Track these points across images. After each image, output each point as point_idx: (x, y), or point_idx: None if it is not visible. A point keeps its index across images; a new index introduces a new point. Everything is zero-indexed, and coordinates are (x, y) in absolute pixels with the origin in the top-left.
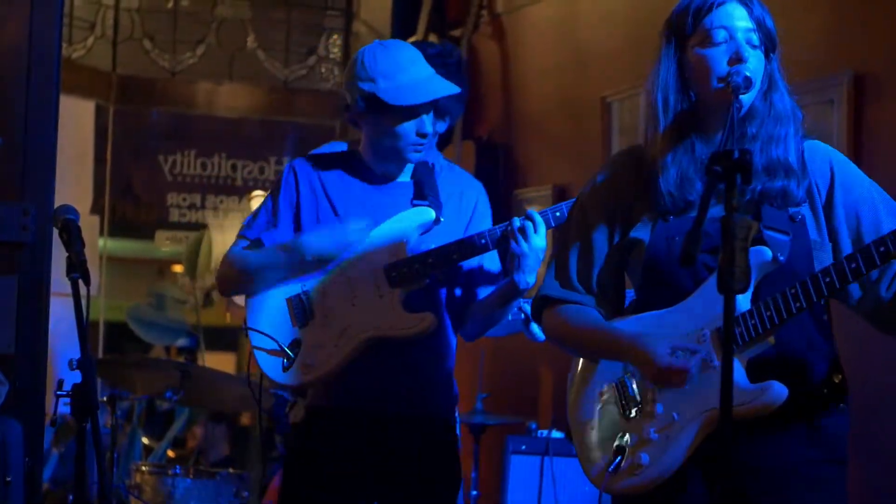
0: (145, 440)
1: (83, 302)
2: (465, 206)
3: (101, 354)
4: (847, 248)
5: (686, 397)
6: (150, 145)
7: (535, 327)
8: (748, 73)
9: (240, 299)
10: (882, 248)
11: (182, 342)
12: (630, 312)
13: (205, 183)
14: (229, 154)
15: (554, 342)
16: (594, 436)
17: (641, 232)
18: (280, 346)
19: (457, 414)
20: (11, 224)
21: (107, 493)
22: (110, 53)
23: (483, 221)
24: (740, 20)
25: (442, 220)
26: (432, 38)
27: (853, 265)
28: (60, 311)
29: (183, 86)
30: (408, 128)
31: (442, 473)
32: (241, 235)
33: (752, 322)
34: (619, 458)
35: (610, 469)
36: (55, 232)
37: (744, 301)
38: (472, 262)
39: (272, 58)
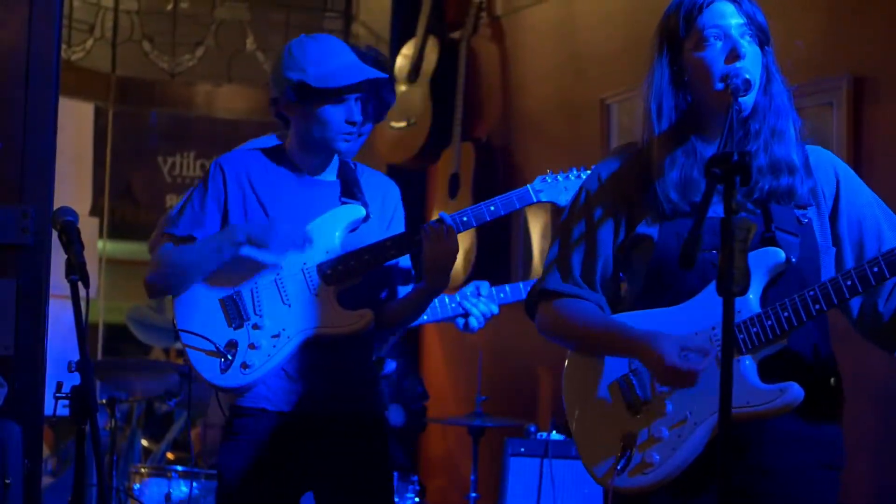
0: (144, 442)
1: (82, 304)
2: (387, 206)
3: (100, 356)
4: (849, 255)
5: (700, 396)
6: (150, 147)
7: (473, 322)
8: (748, 76)
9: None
10: None
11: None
12: (630, 308)
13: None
14: None
15: (551, 336)
16: (598, 433)
17: (648, 229)
18: (216, 348)
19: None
20: (11, 226)
21: (106, 496)
22: (109, 55)
23: (401, 223)
24: (732, 17)
25: (371, 217)
26: (431, 40)
27: (875, 269)
28: (59, 313)
29: (182, 87)
30: (336, 114)
31: (374, 464)
32: (167, 234)
33: (770, 323)
34: (626, 455)
35: (619, 466)
36: (54, 234)
37: (753, 302)
38: (389, 262)
39: (271, 59)
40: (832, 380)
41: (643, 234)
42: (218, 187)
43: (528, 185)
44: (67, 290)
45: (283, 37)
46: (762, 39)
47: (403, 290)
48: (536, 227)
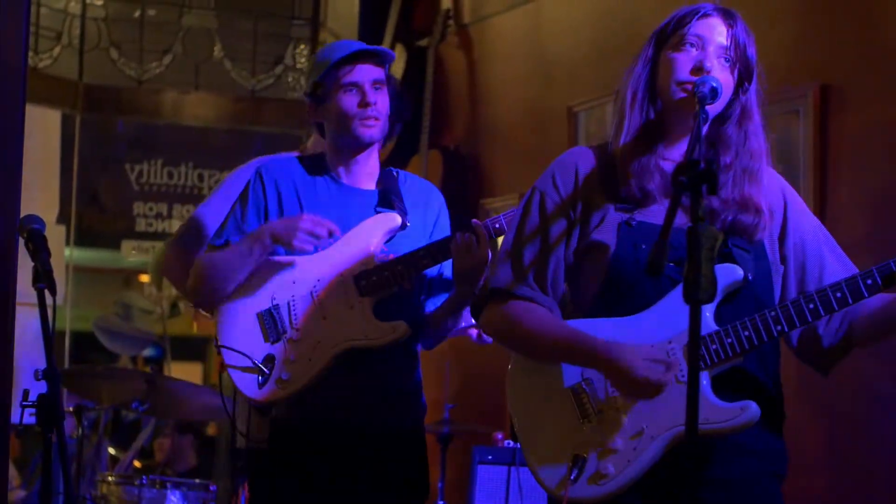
0: (111, 450)
1: (49, 312)
2: (429, 214)
3: (66, 365)
4: (792, 278)
5: (657, 410)
6: (117, 154)
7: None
8: (714, 84)
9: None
10: (869, 282)
11: (148, 352)
12: (574, 315)
13: (171, 192)
14: (196, 163)
15: (498, 338)
16: (548, 441)
17: (604, 235)
18: (254, 363)
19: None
20: None
21: None
22: (77, 63)
23: (445, 229)
24: (718, 35)
25: (408, 225)
26: (399, 47)
27: (839, 294)
28: (26, 321)
29: (149, 95)
30: (349, 100)
31: (410, 484)
32: (210, 245)
33: (729, 341)
34: (578, 466)
35: (571, 477)
36: (21, 242)
37: (709, 319)
38: (431, 271)
39: (239, 67)
40: (778, 395)
41: (599, 241)
42: (258, 195)
43: None
44: (34, 298)
45: (250, 44)
46: (743, 73)
47: (442, 300)
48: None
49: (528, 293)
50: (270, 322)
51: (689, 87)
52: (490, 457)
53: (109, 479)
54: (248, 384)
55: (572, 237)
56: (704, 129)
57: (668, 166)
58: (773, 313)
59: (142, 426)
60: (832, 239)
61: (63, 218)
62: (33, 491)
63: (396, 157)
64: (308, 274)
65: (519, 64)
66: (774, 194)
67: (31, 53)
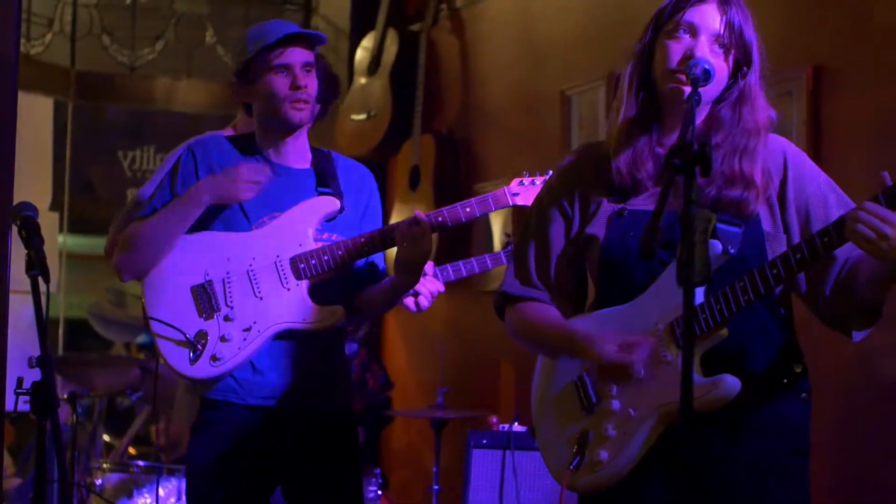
0: (106, 437)
1: (43, 299)
2: (361, 197)
3: (60, 352)
4: (798, 239)
5: (641, 393)
6: (110, 141)
7: (423, 301)
8: (707, 66)
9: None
10: (825, 238)
11: (142, 339)
12: (590, 309)
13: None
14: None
15: (517, 340)
16: (556, 433)
17: (596, 227)
18: (186, 337)
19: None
20: None
21: (67, 491)
22: (69, 49)
23: (376, 213)
24: (712, 22)
25: (345, 209)
26: (391, 32)
27: (798, 256)
28: (20, 309)
29: (142, 81)
30: (279, 82)
31: (342, 464)
32: (138, 218)
33: (704, 316)
34: (579, 454)
35: (571, 466)
36: (14, 229)
37: (697, 294)
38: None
39: (232, 53)
40: (798, 367)
41: (590, 234)
42: (188, 170)
43: (505, 188)
44: (27, 286)
45: (242, 30)
46: (739, 57)
47: (371, 286)
48: (497, 223)
49: (532, 293)
50: (204, 297)
51: (681, 76)
52: (485, 441)
53: (104, 466)
54: (178, 359)
55: (571, 231)
56: (703, 113)
57: (663, 153)
58: (741, 283)
59: (136, 413)
60: (842, 194)
61: (56, 205)
62: (28, 478)
63: (389, 141)
64: (244, 251)
65: (511, 47)
66: (775, 157)
67: (22, 40)
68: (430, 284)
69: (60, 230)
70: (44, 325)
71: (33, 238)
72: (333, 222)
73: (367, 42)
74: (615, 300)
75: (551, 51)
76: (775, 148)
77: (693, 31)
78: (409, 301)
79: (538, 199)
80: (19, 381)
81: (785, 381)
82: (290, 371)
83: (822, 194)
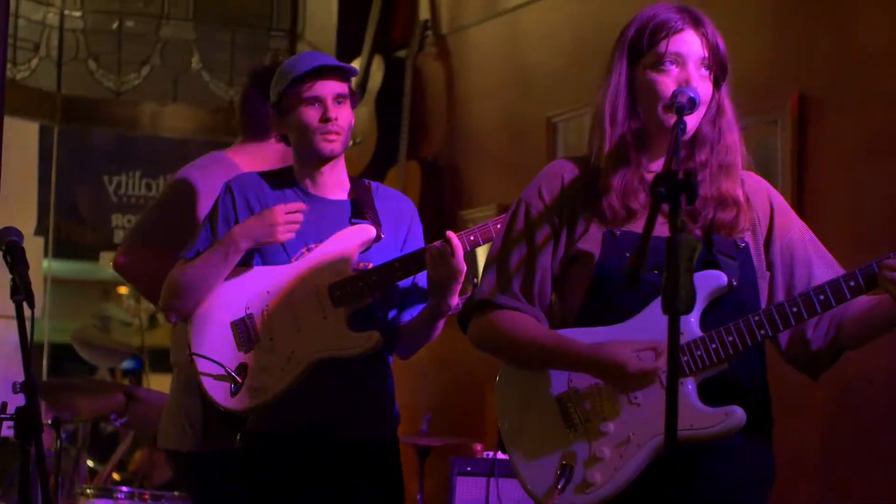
0: (90, 463)
1: (27, 324)
2: (401, 225)
3: (45, 377)
4: (779, 283)
5: (642, 417)
6: (95, 166)
7: None
8: (692, 94)
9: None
10: (852, 283)
11: (127, 365)
12: (563, 325)
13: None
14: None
15: (484, 348)
16: (536, 450)
17: (589, 244)
18: (227, 371)
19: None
20: None
21: None
22: (55, 74)
23: (417, 240)
24: (695, 49)
25: (383, 237)
26: (377, 58)
27: (822, 297)
28: (4, 334)
29: (128, 106)
30: (310, 115)
31: (386, 494)
32: (183, 258)
33: (714, 346)
34: (566, 475)
35: (559, 486)
36: None
37: (694, 325)
38: (405, 282)
39: (217, 78)
40: (764, 401)
41: (584, 250)
42: (227, 208)
43: None
44: (12, 311)
45: (228, 56)
46: (719, 75)
47: (417, 311)
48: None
49: (513, 303)
50: (244, 331)
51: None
52: (469, 468)
53: (88, 491)
54: (220, 392)
55: (558, 247)
56: (686, 137)
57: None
58: (756, 318)
59: (120, 439)
60: (818, 242)
61: (41, 230)
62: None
63: (374, 168)
64: (283, 284)
65: (497, 74)
66: (760, 199)
67: (9, 65)
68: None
69: (45, 255)
70: (28, 350)
71: (18, 263)
72: (373, 251)
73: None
74: (603, 320)
75: (537, 78)
76: (760, 188)
77: (680, 61)
78: None
79: (523, 208)
80: (3, 406)
81: (758, 415)
82: (332, 398)
83: (804, 239)
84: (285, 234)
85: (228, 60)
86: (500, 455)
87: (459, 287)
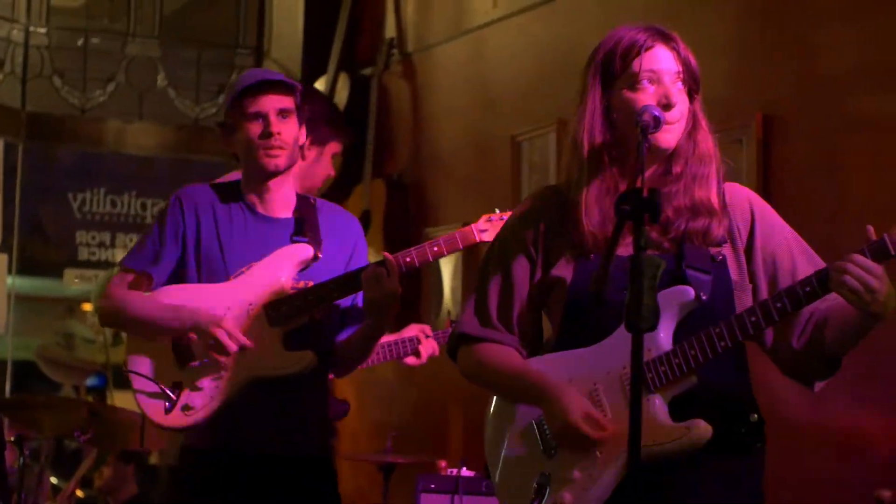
0: (54, 480)
1: None
2: (346, 244)
3: (8, 394)
4: (764, 292)
5: (609, 437)
6: (60, 183)
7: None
8: (656, 113)
9: None
10: (808, 288)
11: (91, 381)
12: (549, 351)
13: (114, 221)
14: (139, 192)
15: (471, 380)
16: (516, 477)
17: (563, 270)
18: (161, 389)
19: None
20: None
21: None
22: (19, 91)
23: (362, 259)
24: (669, 64)
25: (320, 256)
26: (343, 76)
27: (779, 304)
28: None
29: (93, 123)
30: (252, 130)
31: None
32: (124, 266)
33: (677, 361)
34: (540, 497)
35: None
36: None
37: (664, 340)
38: (345, 301)
39: (182, 96)
40: (754, 416)
41: (557, 276)
42: (176, 220)
43: (473, 225)
44: None
45: (194, 73)
46: (692, 87)
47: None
48: (448, 267)
49: (492, 335)
50: (180, 349)
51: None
52: (433, 485)
53: None
54: (154, 410)
55: (535, 276)
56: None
57: None
58: (717, 329)
59: (84, 455)
60: (806, 246)
61: (5, 246)
62: None
63: (339, 186)
64: (219, 302)
65: (463, 93)
66: (741, 208)
67: None
68: (429, 346)
69: (10, 271)
70: None
71: None
72: (314, 270)
73: (319, 86)
74: (579, 342)
75: (502, 97)
76: (741, 197)
77: (655, 78)
78: (410, 359)
79: (500, 240)
80: None
81: (742, 430)
82: (264, 418)
83: (789, 245)
84: (210, 349)
85: (194, 78)
86: (464, 472)
87: (394, 308)
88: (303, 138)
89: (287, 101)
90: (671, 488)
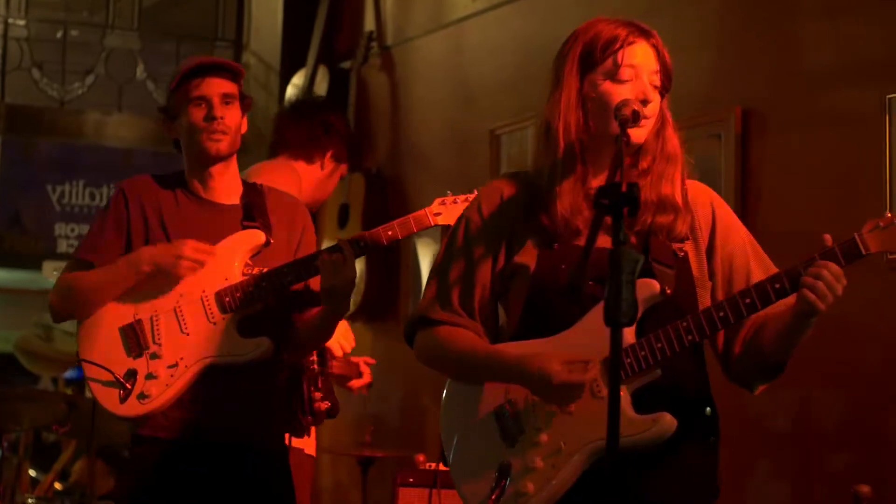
0: (32, 472)
1: None
2: (294, 229)
3: None
4: (720, 291)
5: (573, 426)
6: (39, 175)
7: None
8: (636, 107)
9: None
10: (777, 286)
11: (70, 374)
12: (507, 339)
13: (93, 213)
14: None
15: (429, 364)
16: (474, 463)
17: (526, 257)
18: (115, 378)
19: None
20: None
21: None
22: None
23: (310, 245)
24: (649, 62)
25: (272, 241)
26: (322, 69)
27: (747, 300)
28: None
29: (72, 116)
30: (196, 115)
31: (275, 496)
32: (71, 258)
33: (643, 353)
34: (500, 486)
35: (493, 497)
36: None
37: (628, 333)
38: (299, 285)
39: (162, 88)
40: (707, 409)
41: (520, 263)
42: (119, 211)
43: (426, 209)
44: None
45: (173, 66)
46: (665, 85)
47: (309, 313)
48: (426, 257)
49: (452, 318)
50: (133, 336)
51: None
52: (411, 479)
53: (29, 501)
54: (109, 399)
55: (498, 262)
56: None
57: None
58: (684, 324)
59: (62, 448)
60: (760, 250)
61: None
62: None
63: None
64: (171, 289)
65: (442, 87)
66: (703, 207)
67: None
68: (363, 381)
69: None
70: None
71: None
72: (264, 255)
73: (298, 79)
74: (539, 332)
75: (481, 90)
76: (702, 196)
77: (634, 73)
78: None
79: (464, 224)
80: None
81: (695, 423)
82: (220, 406)
83: (745, 247)
84: (188, 270)
85: (173, 70)
86: (442, 466)
87: (350, 293)
88: (245, 126)
89: (231, 87)
90: (633, 480)
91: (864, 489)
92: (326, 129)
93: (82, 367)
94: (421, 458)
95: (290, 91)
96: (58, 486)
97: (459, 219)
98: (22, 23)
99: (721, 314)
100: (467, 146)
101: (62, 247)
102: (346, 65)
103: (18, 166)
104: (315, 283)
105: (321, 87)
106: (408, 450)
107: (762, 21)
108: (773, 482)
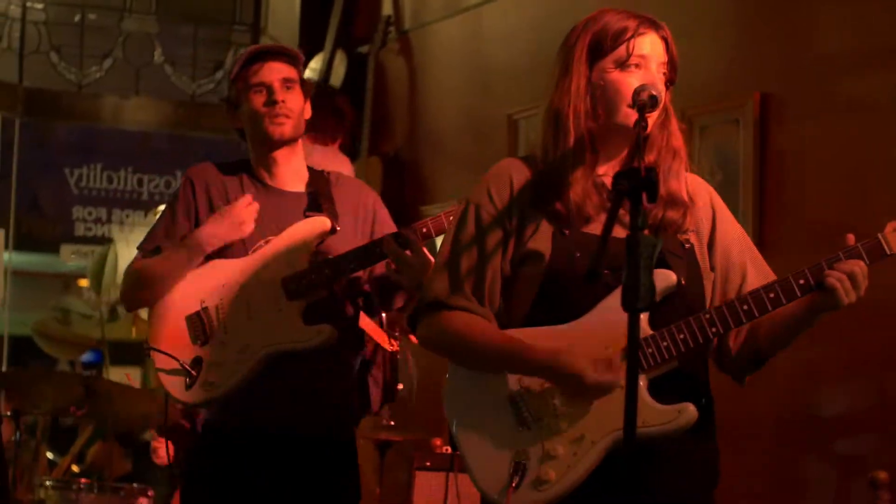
0: (49, 455)
1: None
2: (364, 215)
3: (4, 368)
4: (717, 286)
5: (596, 415)
6: (57, 159)
7: None
8: (654, 93)
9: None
10: (801, 281)
11: (87, 357)
12: (512, 325)
13: (111, 197)
14: (136, 168)
15: (437, 349)
16: (488, 449)
17: (540, 243)
18: (181, 365)
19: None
20: None
21: None
22: (16, 66)
23: (386, 228)
24: (658, 54)
25: (338, 229)
26: (339, 54)
27: (771, 294)
28: None
29: (90, 99)
30: (257, 101)
31: (340, 490)
32: (139, 249)
33: (665, 344)
34: (519, 473)
35: (513, 484)
36: None
37: (644, 323)
38: (365, 273)
39: (179, 72)
40: (703, 399)
41: (534, 250)
42: (188, 199)
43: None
44: None
45: (190, 49)
46: (671, 79)
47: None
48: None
49: (465, 304)
50: (199, 324)
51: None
52: (428, 463)
53: (47, 483)
54: (176, 386)
55: (508, 247)
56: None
57: (604, 182)
58: (707, 316)
59: (80, 431)
60: (754, 249)
61: (2, 222)
62: None
63: None
64: (237, 277)
65: (459, 71)
66: (703, 202)
67: None
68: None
69: (6, 247)
70: None
71: None
72: (331, 242)
73: (315, 63)
74: (552, 319)
75: (499, 75)
76: (702, 190)
77: (643, 63)
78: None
79: (473, 209)
80: None
81: (711, 420)
82: (286, 393)
83: (741, 243)
84: (249, 227)
85: (191, 54)
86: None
87: (422, 276)
88: (308, 111)
89: (291, 71)
90: (647, 470)
91: (882, 475)
92: (340, 116)
93: (152, 356)
94: (438, 441)
95: (308, 75)
96: (75, 468)
97: (466, 203)
98: (40, 6)
99: (745, 307)
100: (485, 131)
101: (80, 230)
102: (363, 49)
103: (36, 150)
104: (378, 269)
105: (339, 72)
106: (425, 433)
107: (780, 6)
108: (790, 468)
